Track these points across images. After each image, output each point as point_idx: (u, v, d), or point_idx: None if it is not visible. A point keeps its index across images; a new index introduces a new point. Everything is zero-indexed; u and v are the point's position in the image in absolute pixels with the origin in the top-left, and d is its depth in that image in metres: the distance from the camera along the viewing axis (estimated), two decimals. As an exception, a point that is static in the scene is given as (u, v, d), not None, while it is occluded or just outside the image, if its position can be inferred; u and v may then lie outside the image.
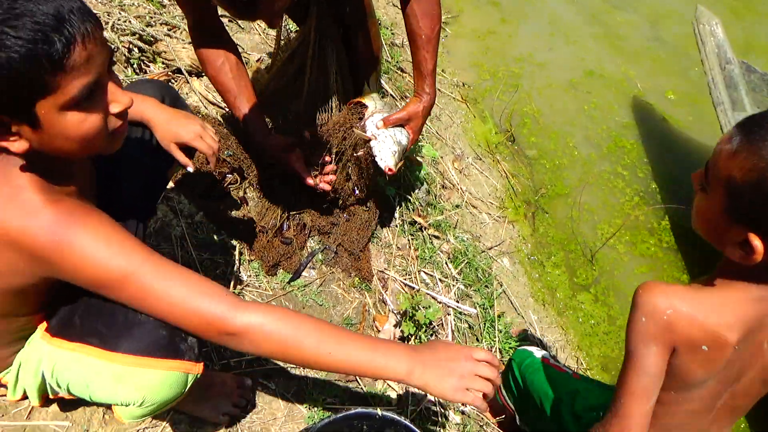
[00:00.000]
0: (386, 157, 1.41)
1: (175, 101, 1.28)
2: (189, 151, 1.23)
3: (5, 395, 1.21)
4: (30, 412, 1.24)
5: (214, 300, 0.88)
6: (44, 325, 0.99)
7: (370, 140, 1.43)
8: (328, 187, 1.53)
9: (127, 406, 0.97)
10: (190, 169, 1.23)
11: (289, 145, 1.50)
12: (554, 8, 3.93)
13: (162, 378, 0.94)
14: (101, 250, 0.80)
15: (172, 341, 0.95)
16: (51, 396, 1.07)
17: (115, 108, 0.81)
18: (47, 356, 0.96)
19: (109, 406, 1.18)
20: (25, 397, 1.09)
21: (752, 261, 0.86)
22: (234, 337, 0.89)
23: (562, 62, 3.53)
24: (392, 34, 3.02)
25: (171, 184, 1.72)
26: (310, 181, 1.51)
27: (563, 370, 1.44)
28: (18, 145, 0.76)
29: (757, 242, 0.85)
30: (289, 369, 1.53)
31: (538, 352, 1.49)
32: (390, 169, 1.44)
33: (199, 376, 0.99)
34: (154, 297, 0.85)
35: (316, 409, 1.47)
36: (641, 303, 0.94)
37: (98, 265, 0.81)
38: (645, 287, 0.95)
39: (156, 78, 1.98)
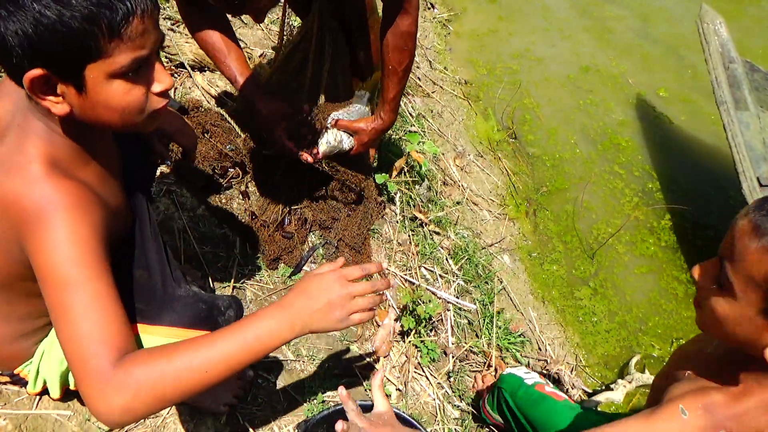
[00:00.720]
0: (319, 148, 1.56)
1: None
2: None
3: (17, 387, 1.21)
4: (33, 401, 1.25)
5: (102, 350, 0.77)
6: None
7: (324, 127, 1.57)
8: (310, 159, 1.53)
9: None
10: (168, 162, 1.24)
11: (285, 113, 1.49)
12: (549, 4, 3.95)
13: None
14: (66, 246, 0.78)
15: (211, 314, 0.96)
16: (72, 387, 1.07)
17: (157, 87, 0.83)
18: None
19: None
20: (44, 390, 1.09)
21: None
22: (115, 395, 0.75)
23: (559, 58, 3.55)
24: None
25: (164, 172, 1.73)
26: (291, 146, 1.50)
27: (560, 396, 1.36)
28: (60, 108, 0.77)
29: None
30: (289, 363, 1.54)
31: (528, 378, 1.41)
32: (316, 154, 1.57)
33: None
34: (66, 319, 0.78)
35: (315, 401, 1.48)
36: (714, 417, 0.84)
37: (53, 259, 0.78)
38: (712, 401, 0.86)
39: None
